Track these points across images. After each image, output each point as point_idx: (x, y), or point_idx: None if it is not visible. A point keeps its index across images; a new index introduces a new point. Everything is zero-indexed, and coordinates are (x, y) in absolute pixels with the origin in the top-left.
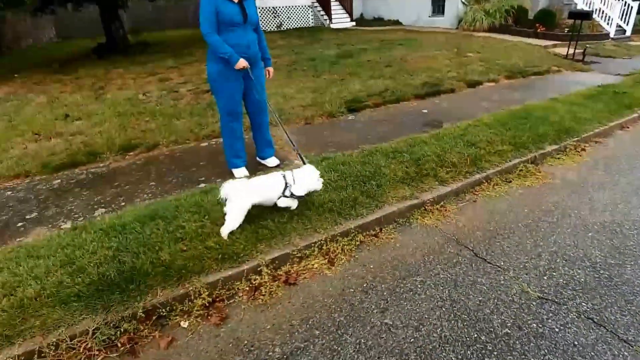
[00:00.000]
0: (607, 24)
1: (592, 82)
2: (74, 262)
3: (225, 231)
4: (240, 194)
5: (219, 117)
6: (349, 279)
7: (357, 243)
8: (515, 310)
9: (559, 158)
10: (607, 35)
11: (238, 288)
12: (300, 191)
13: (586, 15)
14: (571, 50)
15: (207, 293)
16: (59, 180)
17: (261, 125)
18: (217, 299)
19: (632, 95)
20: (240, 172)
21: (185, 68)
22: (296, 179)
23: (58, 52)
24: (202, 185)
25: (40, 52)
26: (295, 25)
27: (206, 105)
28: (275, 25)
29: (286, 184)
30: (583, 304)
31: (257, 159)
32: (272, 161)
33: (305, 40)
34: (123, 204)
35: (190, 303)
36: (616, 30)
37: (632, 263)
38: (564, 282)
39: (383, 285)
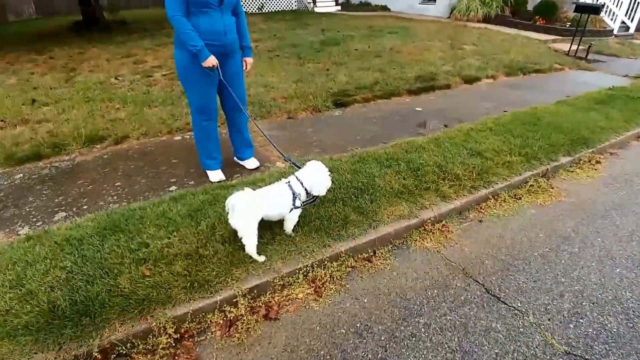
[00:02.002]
0: (611, 19)
1: (599, 83)
2: (23, 284)
3: (254, 255)
4: (247, 206)
5: (190, 113)
6: (340, 316)
7: (348, 269)
8: None
9: (572, 172)
10: (610, 32)
11: (210, 321)
12: (322, 189)
13: (594, 10)
14: (574, 47)
15: (173, 329)
16: (21, 175)
17: (239, 123)
18: (186, 335)
19: None
20: (215, 175)
21: (162, 50)
22: (306, 180)
23: (36, 29)
24: (173, 188)
25: (18, 29)
26: (278, 8)
27: (181, 93)
28: (256, 7)
29: (294, 193)
30: None
31: (235, 159)
32: (251, 163)
33: (288, 25)
34: (85, 207)
35: (154, 339)
36: (620, 27)
37: None
38: (594, 332)
39: (380, 327)
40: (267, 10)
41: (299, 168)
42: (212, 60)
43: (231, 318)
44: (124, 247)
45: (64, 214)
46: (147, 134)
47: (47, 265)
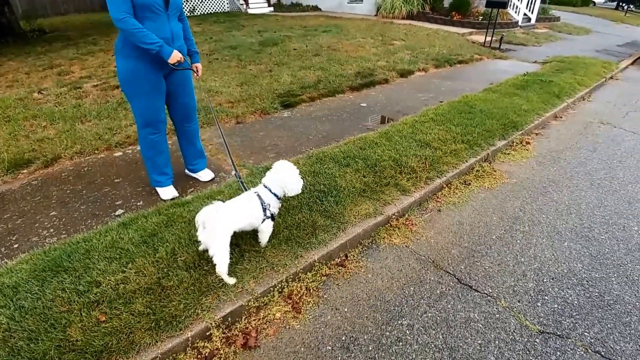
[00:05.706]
0: (516, 12)
1: (514, 70)
2: None
3: (225, 276)
4: (218, 221)
5: (136, 127)
6: (323, 331)
7: (323, 278)
8: (520, 353)
9: (508, 154)
10: (516, 24)
11: None
12: (297, 189)
13: (502, 4)
14: (488, 38)
15: None
16: None
17: (190, 133)
18: None
19: (558, 84)
20: (167, 192)
21: (89, 59)
22: (275, 184)
23: None
24: (119, 212)
25: None
26: (210, 10)
27: (117, 105)
28: (188, 9)
29: (263, 203)
30: (585, 333)
31: (187, 171)
32: (205, 175)
33: (223, 27)
34: (16, 245)
35: None
36: (523, 19)
37: (616, 275)
38: (560, 307)
39: (366, 337)
40: (199, 13)
41: (246, 189)
42: (177, 55)
43: (206, 354)
44: (70, 290)
45: None
46: (82, 152)
47: None
